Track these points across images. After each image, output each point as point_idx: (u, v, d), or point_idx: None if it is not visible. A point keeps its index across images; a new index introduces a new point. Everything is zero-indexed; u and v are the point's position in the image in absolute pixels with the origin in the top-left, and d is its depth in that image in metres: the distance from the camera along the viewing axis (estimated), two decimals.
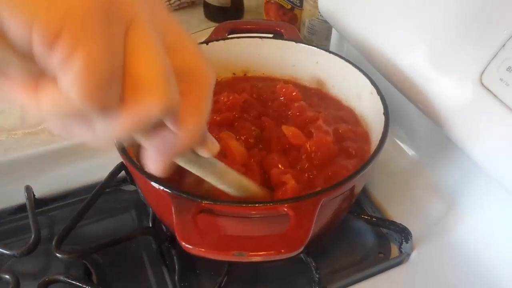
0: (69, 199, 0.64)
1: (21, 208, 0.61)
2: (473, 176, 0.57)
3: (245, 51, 0.65)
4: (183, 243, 0.38)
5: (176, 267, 0.55)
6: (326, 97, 0.64)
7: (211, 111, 0.32)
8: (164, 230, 0.58)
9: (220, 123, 0.54)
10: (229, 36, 0.65)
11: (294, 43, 0.64)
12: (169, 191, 0.42)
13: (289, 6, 0.92)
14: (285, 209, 0.41)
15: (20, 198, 0.61)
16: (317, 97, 0.64)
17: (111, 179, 0.61)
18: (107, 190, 0.61)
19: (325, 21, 0.77)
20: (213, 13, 1.02)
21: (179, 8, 1.07)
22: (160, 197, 0.44)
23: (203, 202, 0.41)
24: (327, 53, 0.62)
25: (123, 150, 0.46)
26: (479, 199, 0.57)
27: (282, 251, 0.38)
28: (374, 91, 0.56)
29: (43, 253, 0.55)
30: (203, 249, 0.38)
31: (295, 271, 0.55)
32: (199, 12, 1.05)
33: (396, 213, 0.61)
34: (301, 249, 0.38)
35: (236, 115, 0.56)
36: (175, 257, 0.56)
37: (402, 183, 0.64)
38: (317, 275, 0.52)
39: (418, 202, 0.62)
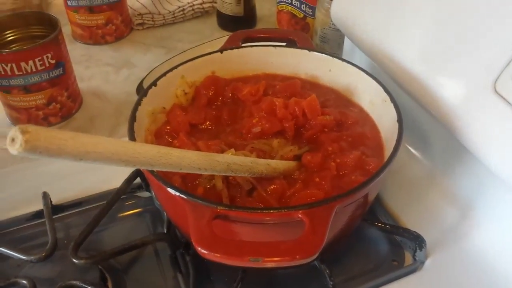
0: (85, 205, 0.64)
1: (38, 214, 0.62)
2: (488, 183, 0.57)
3: (259, 59, 0.66)
4: (199, 249, 0.39)
5: (191, 273, 0.55)
6: None
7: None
8: (179, 236, 0.59)
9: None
10: (243, 45, 0.66)
11: (307, 51, 0.64)
12: (185, 197, 0.43)
13: (302, 15, 0.93)
14: (300, 216, 0.41)
15: (37, 204, 0.62)
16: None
17: (127, 185, 0.62)
18: (123, 196, 0.62)
19: (338, 30, 0.77)
20: (226, 22, 1.03)
21: (193, 17, 1.08)
22: (176, 203, 0.44)
23: (219, 208, 0.41)
24: (340, 61, 0.63)
25: None
26: (494, 206, 0.56)
27: (297, 257, 0.38)
28: (388, 98, 0.56)
29: (59, 258, 0.56)
30: (218, 255, 0.38)
31: (309, 278, 0.55)
32: (212, 21, 1.06)
33: (410, 221, 0.60)
34: (316, 256, 0.39)
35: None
36: (189, 264, 0.56)
37: (416, 190, 0.64)
38: (331, 283, 0.52)
39: (432, 209, 0.62)
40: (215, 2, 1.05)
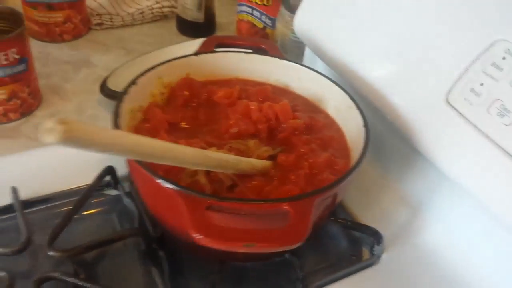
0: (52, 202, 0.64)
1: (5, 210, 0.61)
2: (436, 186, 0.63)
3: (232, 64, 0.69)
4: (196, 235, 0.41)
5: (165, 267, 0.56)
6: None
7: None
8: (151, 231, 0.60)
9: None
10: (216, 50, 0.69)
11: (278, 59, 0.68)
12: (178, 189, 0.45)
13: (261, 25, 0.97)
14: (286, 207, 0.45)
15: (4, 199, 0.60)
16: None
17: (98, 181, 0.62)
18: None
19: (297, 41, 0.82)
20: (185, 28, 1.05)
21: (152, 21, 1.09)
22: (163, 195, 0.46)
23: (214, 199, 0.44)
24: (308, 70, 0.67)
25: None
26: (442, 206, 0.63)
27: (288, 242, 0.42)
28: (353, 105, 0.61)
29: (30, 254, 0.56)
30: (214, 241, 0.41)
31: (279, 271, 0.59)
32: (171, 25, 1.07)
33: (368, 220, 0.65)
34: (303, 241, 0.42)
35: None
36: (163, 258, 0.57)
37: (372, 192, 0.69)
38: (301, 273, 0.56)
39: (387, 210, 0.67)
40: (175, 7, 1.07)
